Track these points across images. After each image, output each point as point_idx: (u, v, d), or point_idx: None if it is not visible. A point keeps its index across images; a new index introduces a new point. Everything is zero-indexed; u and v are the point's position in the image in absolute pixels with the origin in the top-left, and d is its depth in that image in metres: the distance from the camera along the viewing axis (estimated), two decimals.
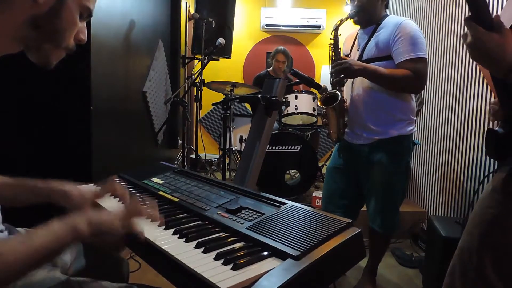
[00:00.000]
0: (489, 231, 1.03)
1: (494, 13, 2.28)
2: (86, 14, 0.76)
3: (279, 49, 4.01)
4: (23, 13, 0.67)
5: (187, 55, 4.22)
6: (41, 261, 0.69)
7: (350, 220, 0.81)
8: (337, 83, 1.92)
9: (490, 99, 2.32)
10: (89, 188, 1.01)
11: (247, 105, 5.15)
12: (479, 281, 1.03)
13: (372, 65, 1.83)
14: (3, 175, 0.96)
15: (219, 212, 0.94)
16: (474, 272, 1.04)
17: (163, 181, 1.25)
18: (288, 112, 3.43)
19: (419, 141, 3.21)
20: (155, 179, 1.28)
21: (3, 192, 0.87)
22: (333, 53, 1.94)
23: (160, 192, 1.14)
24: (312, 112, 3.45)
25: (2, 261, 0.62)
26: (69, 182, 0.99)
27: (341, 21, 1.90)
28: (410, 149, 1.96)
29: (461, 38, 2.67)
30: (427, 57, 1.80)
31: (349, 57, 2.00)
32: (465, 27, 0.95)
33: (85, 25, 0.79)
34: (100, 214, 0.78)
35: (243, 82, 5.00)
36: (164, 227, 0.89)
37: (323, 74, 5.32)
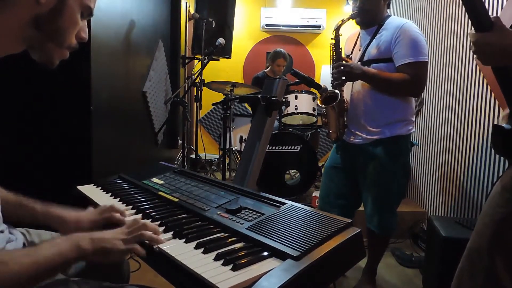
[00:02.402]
0: (500, 231, 1.03)
1: (494, 14, 2.28)
2: (87, 13, 0.76)
3: (280, 53, 3.95)
4: (26, 13, 0.68)
5: (187, 55, 4.21)
6: (44, 274, 0.69)
7: (350, 220, 0.81)
8: (338, 84, 1.93)
9: (490, 99, 2.32)
10: (86, 214, 1.00)
11: (247, 105, 5.15)
12: (489, 281, 1.02)
13: (372, 70, 1.83)
14: (4, 176, 0.96)
15: (219, 213, 0.94)
16: (484, 272, 1.03)
17: (163, 181, 1.25)
18: (288, 112, 3.43)
19: (419, 141, 3.21)
20: (155, 179, 1.28)
21: (3, 209, 0.87)
22: (334, 53, 1.94)
23: (160, 192, 1.14)
24: (312, 112, 3.45)
25: (6, 270, 0.63)
26: (68, 208, 1.00)
27: (343, 21, 1.91)
28: (408, 150, 1.96)
29: (460, 39, 2.67)
30: (427, 60, 1.80)
31: (351, 57, 2.00)
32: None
33: (86, 23, 0.79)
34: (103, 232, 0.79)
35: (243, 82, 5.00)
36: (164, 228, 0.89)
37: (323, 74, 5.31)
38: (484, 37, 0.94)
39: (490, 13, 2.30)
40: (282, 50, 4.01)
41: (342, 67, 1.85)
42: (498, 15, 2.24)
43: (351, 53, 2.02)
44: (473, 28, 0.98)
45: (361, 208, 2.11)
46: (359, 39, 2.00)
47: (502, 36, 0.93)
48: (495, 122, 2.00)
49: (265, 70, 4.14)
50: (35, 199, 0.98)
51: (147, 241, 0.80)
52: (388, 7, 1.95)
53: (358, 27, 1.99)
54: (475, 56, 1.00)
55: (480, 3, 0.95)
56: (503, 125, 1.03)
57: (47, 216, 0.97)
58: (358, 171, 1.97)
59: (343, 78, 1.89)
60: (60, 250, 0.70)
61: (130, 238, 0.79)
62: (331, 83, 1.96)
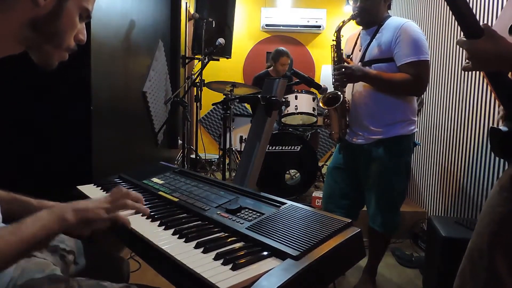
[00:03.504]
0: (499, 230, 1.03)
1: (494, 14, 2.28)
2: (85, 15, 0.77)
3: (282, 52, 3.90)
4: (24, 14, 0.69)
5: (187, 55, 4.21)
6: (30, 249, 0.71)
7: (350, 220, 0.81)
8: (339, 85, 1.93)
9: (490, 99, 2.32)
10: None
11: (247, 105, 5.14)
12: (491, 281, 1.03)
13: (373, 71, 1.84)
14: (3, 176, 0.96)
15: (219, 212, 0.94)
16: (486, 272, 1.03)
17: (163, 181, 1.25)
18: (288, 112, 3.42)
19: (419, 141, 3.21)
20: (155, 179, 1.28)
21: None
22: (335, 54, 1.94)
23: (160, 192, 1.14)
24: (312, 112, 3.45)
25: None
26: (62, 202, 1.00)
27: (344, 22, 1.92)
28: (410, 149, 1.96)
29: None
30: (429, 59, 1.80)
31: (351, 57, 2.00)
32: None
33: (84, 26, 0.80)
34: (85, 202, 0.81)
35: (243, 82, 4.99)
36: (164, 227, 0.89)
37: (323, 74, 5.31)
38: (477, 44, 0.95)
39: (489, 14, 2.31)
40: (284, 48, 3.97)
41: (343, 69, 1.86)
42: (498, 15, 2.24)
43: (352, 54, 2.02)
44: (462, 35, 0.98)
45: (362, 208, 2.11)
46: (359, 39, 2.00)
47: (494, 42, 0.94)
48: (492, 125, 2.00)
49: (268, 70, 4.08)
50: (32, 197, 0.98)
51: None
52: (389, 8, 1.96)
53: (358, 28, 2.00)
54: (471, 65, 1.00)
55: (468, 10, 0.95)
56: (500, 127, 1.03)
57: (42, 208, 0.96)
58: (361, 171, 1.97)
59: (345, 80, 1.89)
60: (44, 224, 0.71)
61: (113, 207, 0.81)
62: (333, 84, 1.96)
